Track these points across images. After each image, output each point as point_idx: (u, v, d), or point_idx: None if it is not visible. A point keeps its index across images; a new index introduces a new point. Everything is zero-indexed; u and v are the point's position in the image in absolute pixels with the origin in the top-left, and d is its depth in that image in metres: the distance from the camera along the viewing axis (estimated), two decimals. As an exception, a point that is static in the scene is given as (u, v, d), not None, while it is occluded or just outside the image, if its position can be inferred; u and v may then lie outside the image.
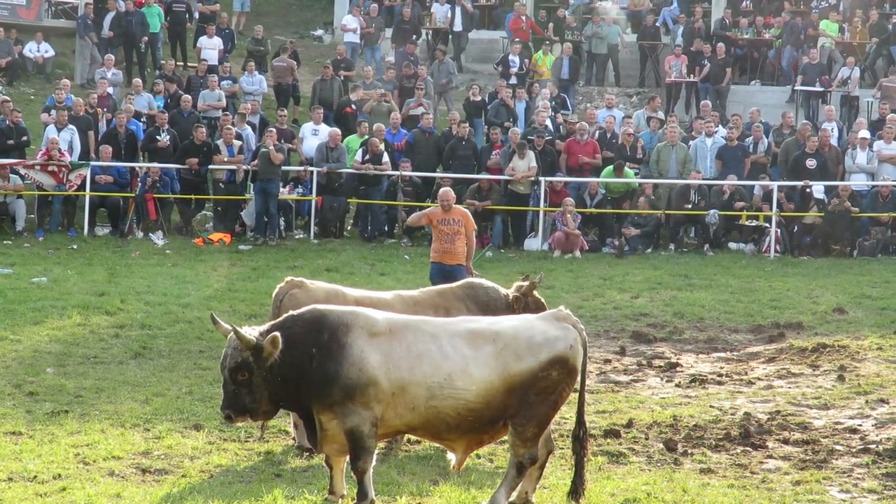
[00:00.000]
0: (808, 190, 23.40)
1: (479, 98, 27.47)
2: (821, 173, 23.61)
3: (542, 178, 23.79)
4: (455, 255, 14.91)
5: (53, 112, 24.38)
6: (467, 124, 25.32)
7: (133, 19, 30.13)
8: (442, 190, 15.51)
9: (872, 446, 11.56)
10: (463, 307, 11.34)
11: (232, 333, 8.91)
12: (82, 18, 30.29)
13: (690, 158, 24.33)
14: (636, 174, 24.42)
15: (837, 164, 24.21)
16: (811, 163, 23.80)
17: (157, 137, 24.12)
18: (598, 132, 25.17)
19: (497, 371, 9.02)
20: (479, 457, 11.12)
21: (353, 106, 26.55)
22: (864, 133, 24.56)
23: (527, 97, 27.30)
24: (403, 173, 23.89)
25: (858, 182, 23.83)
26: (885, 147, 24.15)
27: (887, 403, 13.12)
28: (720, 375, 14.63)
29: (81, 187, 23.23)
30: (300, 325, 9.00)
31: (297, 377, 8.91)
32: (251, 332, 8.96)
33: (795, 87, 28.97)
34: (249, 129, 25.05)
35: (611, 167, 24.12)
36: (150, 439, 11.61)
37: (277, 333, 8.86)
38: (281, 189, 23.73)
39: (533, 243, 23.68)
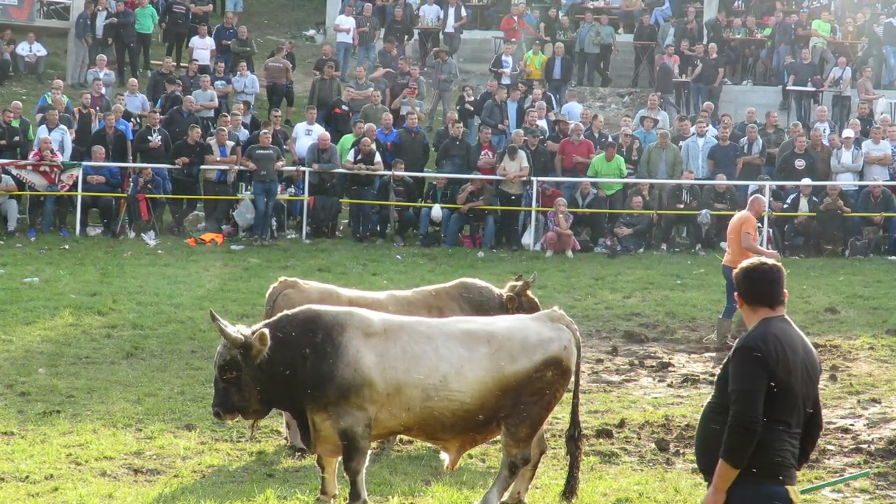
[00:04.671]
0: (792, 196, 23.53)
1: (471, 98, 27.48)
2: (810, 173, 23.65)
3: (534, 179, 23.81)
4: None
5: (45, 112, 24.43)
6: (461, 124, 25.30)
7: (125, 20, 30.09)
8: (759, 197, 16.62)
9: (864, 446, 11.58)
10: (456, 307, 11.33)
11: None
12: (82, 18, 30.22)
13: (681, 160, 24.36)
14: (630, 173, 24.42)
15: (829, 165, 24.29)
16: (800, 163, 23.85)
17: (149, 138, 24.10)
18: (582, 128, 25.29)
19: (491, 372, 9.02)
20: (471, 457, 11.12)
21: (345, 106, 26.53)
22: (848, 132, 24.62)
23: (520, 97, 27.30)
24: (395, 173, 23.88)
25: (846, 182, 23.87)
26: (873, 148, 24.20)
27: (879, 403, 13.15)
28: (712, 375, 14.63)
29: (73, 187, 23.19)
30: (294, 325, 8.98)
31: (289, 377, 8.89)
32: (245, 330, 8.97)
33: (787, 87, 29.01)
34: (245, 131, 25.06)
35: (602, 154, 24.10)
36: (141, 439, 11.60)
37: (266, 330, 8.83)
38: (273, 189, 23.80)
39: (526, 238, 23.68)
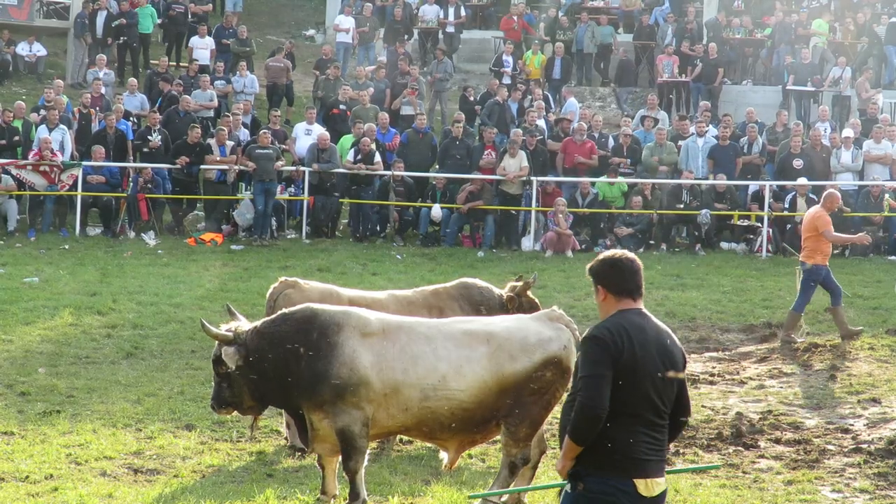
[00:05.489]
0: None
1: (472, 98, 27.44)
2: (808, 173, 23.66)
3: (533, 178, 23.79)
4: None
5: (43, 111, 24.44)
6: (461, 124, 25.25)
7: (130, 20, 30.08)
8: (833, 192, 16.68)
9: (864, 446, 11.58)
10: (457, 307, 11.33)
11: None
12: (80, 17, 30.21)
13: (675, 152, 24.38)
14: (630, 173, 24.46)
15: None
16: (798, 163, 23.85)
17: (149, 137, 24.09)
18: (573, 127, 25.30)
19: (491, 372, 9.02)
20: (471, 457, 11.13)
21: (343, 106, 26.49)
22: (847, 132, 24.63)
23: (519, 96, 27.28)
24: (395, 173, 23.87)
25: (845, 182, 23.85)
26: (874, 147, 24.20)
27: (879, 403, 13.15)
28: (712, 375, 14.64)
29: (73, 187, 23.19)
30: (289, 324, 9.02)
31: (282, 375, 8.92)
32: (245, 326, 9.06)
33: (787, 87, 28.98)
34: (245, 130, 25.07)
35: (604, 177, 24.14)
36: (141, 439, 11.60)
37: (232, 350, 8.91)
38: (272, 189, 23.79)
39: (526, 242, 23.68)
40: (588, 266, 6.41)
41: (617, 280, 6.29)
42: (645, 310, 6.33)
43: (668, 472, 6.42)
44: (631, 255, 6.41)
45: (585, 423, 6.06)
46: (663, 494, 6.26)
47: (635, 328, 6.17)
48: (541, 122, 25.79)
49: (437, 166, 24.98)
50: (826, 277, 16.13)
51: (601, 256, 6.42)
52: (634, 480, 6.13)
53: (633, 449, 6.13)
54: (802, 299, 16.11)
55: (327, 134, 24.41)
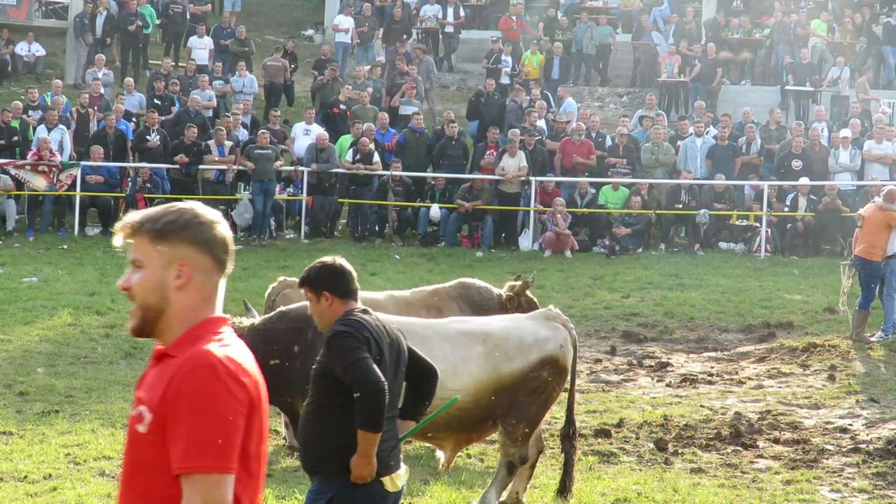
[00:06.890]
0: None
1: (484, 100, 27.38)
2: (807, 173, 23.66)
3: (532, 178, 23.79)
4: None
5: (31, 112, 24.48)
6: (455, 123, 25.22)
7: (137, 19, 30.08)
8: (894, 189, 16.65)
9: (863, 446, 11.59)
10: (455, 307, 11.34)
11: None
12: (79, 17, 30.19)
13: (672, 152, 24.40)
14: (627, 173, 24.45)
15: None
16: (797, 163, 23.85)
17: (147, 137, 24.09)
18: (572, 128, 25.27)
19: (487, 372, 9.01)
20: (469, 456, 11.13)
21: (342, 106, 26.48)
22: (845, 132, 24.63)
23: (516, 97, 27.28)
24: (394, 173, 23.87)
25: (844, 182, 23.85)
26: (875, 147, 24.20)
27: (877, 403, 13.16)
28: (711, 375, 14.65)
29: (72, 187, 23.19)
30: (285, 322, 9.04)
31: (274, 373, 8.92)
32: (246, 322, 9.12)
33: (786, 87, 28.99)
34: (244, 130, 25.07)
35: (608, 186, 24.12)
36: (140, 439, 11.58)
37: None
38: (271, 189, 23.78)
39: (524, 241, 23.67)
40: (303, 277, 6.37)
41: (343, 284, 6.28)
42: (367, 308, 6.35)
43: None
44: (341, 258, 6.41)
45: (375, 403, 5.99)
46: (404, 487, 6.29)
47: (371, 325, 6.19)
48: (541, 123, 25.78)
49: (433, 166, 24.98)
50: (875, 275, 16.15)
51: (316, 266, 6.37)
52: (381, 479, 6.11)
53: (381, 447, 6.10)
54: (868, 295, 16.17)
55: (326, 134, 24.41)
